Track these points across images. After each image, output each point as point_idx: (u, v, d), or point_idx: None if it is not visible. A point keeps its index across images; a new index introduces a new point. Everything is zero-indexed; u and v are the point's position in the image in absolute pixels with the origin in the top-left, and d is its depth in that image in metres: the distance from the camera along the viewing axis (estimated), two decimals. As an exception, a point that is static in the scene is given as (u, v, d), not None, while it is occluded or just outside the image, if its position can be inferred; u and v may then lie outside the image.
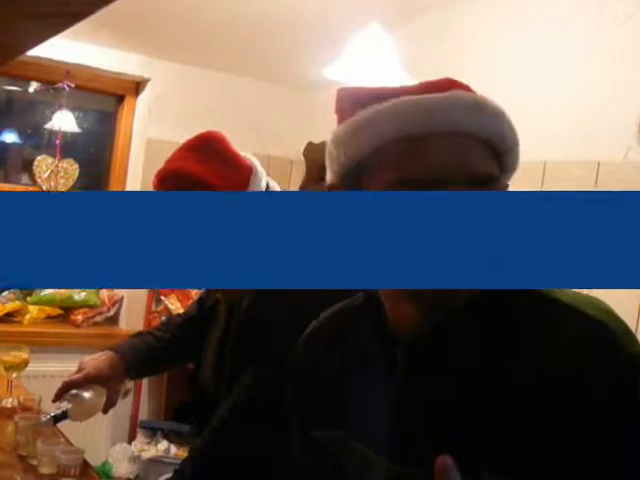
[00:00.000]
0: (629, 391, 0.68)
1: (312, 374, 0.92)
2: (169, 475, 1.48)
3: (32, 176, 3.20)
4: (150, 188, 1.40)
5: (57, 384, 1.47)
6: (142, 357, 1.57)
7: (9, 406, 1.72)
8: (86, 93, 3.28)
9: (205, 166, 1.36)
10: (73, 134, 3.30)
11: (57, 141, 3.18)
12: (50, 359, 2.82)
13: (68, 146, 3.25)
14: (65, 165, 3.22)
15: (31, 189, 3.20)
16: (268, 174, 1.49)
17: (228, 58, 3.22)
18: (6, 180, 3.29)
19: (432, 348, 0.78)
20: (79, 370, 1.49)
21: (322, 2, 2.71)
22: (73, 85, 3.11)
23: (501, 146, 0.79)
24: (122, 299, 3.32)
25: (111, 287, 3.17)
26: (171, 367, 1.77)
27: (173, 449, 3.00)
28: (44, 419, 1.39)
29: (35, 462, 1.38)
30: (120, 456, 3.02)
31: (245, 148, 1.47)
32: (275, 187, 1.48)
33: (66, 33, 0.92)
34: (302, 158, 3.34)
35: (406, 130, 0.76)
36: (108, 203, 0.70)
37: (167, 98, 3.25)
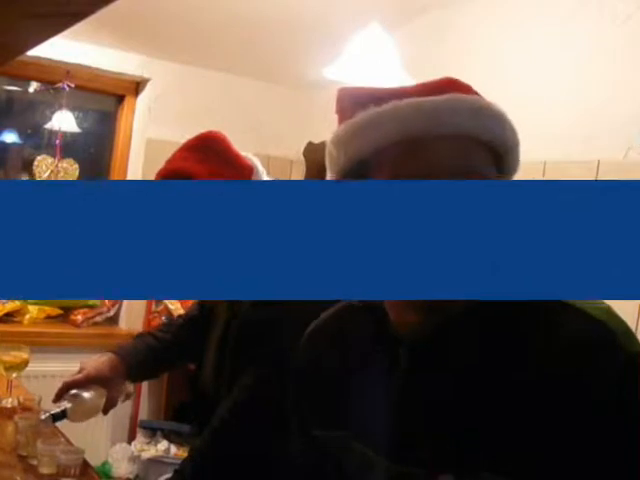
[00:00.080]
0: (629, 390, 0.68)
1: (313, 374, 0.92)
2: (169, 475, 1.48)
3: (32, 176, 3.20)
4: (150, 188, 1.40)
5: (57, 384, 1.47)
6: (143, 358, 1.57)
7: (9, 406, 1.71)
8: (86, 93, 3.28)
9: (205, 166, 1.36)
10: (73, 134, 3.30)
11: (57, 141, 3.18)
12: (50, 359, 2.82)
13: (68, 146, 3.25)
14: (65, 165, 3.22)
15: (31, 189, 3.20)
16: (268, 174, 1.49)
17: (228, 58, 3.22)
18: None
19: (433, 348, 0.78)
20: (80, 371, 1.49)
21: (322, 2, 2.71)
22: (73, 85, 3.11)
23: (502, 148, 0.79)
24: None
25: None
26: (172, 368, 1.77)
27: (173, 449, 2.99)
28: (43, 417, 1.39)
29: (35, 462, 1.38)
30: (120, 456, 3.02)
31: (245, 148, 1.47)
32: (275, 187, 1.48)
33: (66, 33, 0.92)
34: (302, 158, 3.35)
35: (407, 133, 0.76)
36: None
37: (167, 98, 3.25)
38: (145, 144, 3.25)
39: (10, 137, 3.29)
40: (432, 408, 0.76)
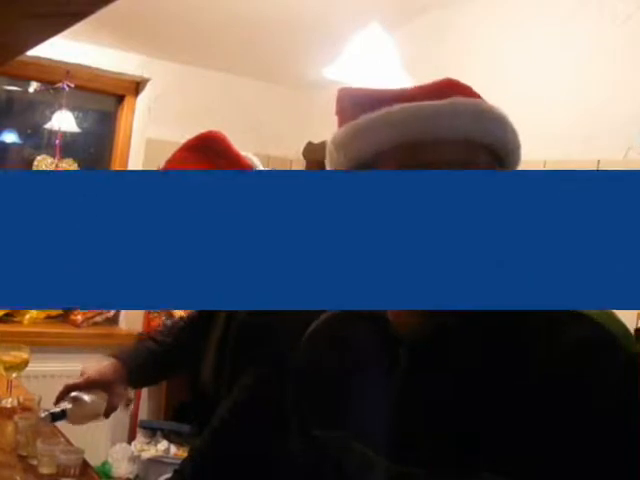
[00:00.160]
0: (629, 392, 0.68)
1: (313, 374, 0.92)
2: (169, 475, 1.48)
3: (32, 176, 3.20)
4: (150, 188, 1.40)
5: (57, 384, 1.47)
6: (144, 362, 1.57)
7: (9, 406, 1.71)
8: (86, 93, 3.28)
9: (206, 166, 1.36)
10: (73, 134, 3.30)
11: (57, 141, 3.18)
12: (50, 359, 2.82)
13: (68, 146, 3.25)
14: (65, 165, 3.22)
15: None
16: (268, 174, 1.48)
17: (228, 58, 3.22)
18: (6, 180, 3.29)
19: (433, 348, 0.78)
20: (81, 375, 1.50)
21: (322, 2, 2.71)
22: (73, 85, 3.11)
23: (503, 151, 0.80)
24: (122, 299, 3.32)
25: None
26: (174, 372, 1.76)
27: (173, 449, 2.99)
28: (42, 415, 1.40)
29: (35, 462, 1.38)
30: (120, 456, 3.02)
31: (245, 148, 1.47)
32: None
33: (66, 33, 0.92)
34: (302, 158, 3.35)
35: (408, 136, 0.76)
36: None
37: (167, 98, 3.25)
38: (145, 144, 3.25)
39: (10, 137, 3.29)
40: (432, 408, 0.76)
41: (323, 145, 0.86)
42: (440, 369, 0.77)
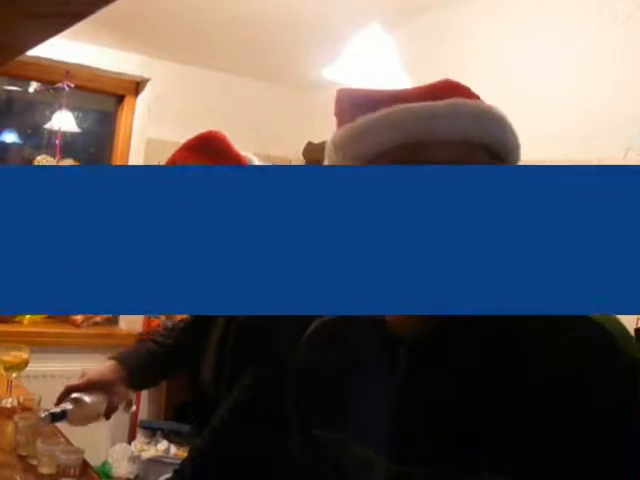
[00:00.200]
0: (629, 392, 0.68)
1: (313, 374, 0.92)
2: (169, 475, 1.48)
3: (32, 176, 3.20)
4: (150, 188, 1.40)
5: (57, 384, 1.47)
6: (144, 363, 1.58)
7: (9, 406, 1.71)
8: (86, 93, 3.28)
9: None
10: (73, 134, 3.30)
11: (57, 141, 3.18)
12: (50, 359, 2.82)
13: (68, 146, 3.25)
14: (65, 165, 3.22)
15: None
16: (268, 174, 1.48)
17: (228, 58, 3.22)
18: (6, 180, 3.29)
19: (433, 348, 0.78)
20: (82, 377, 1.50)
21: (322, 2, 2.71)
22: (73, 85, 3.11)
23: (503, 151, 0.80)
24: (122, 299, 3.32)
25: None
26: (174, 373, 1.76)
27: (173, 449, 2.99)
28: (42, 415, 1.40)
29: (35, 462, 1.38)
30: (120, 456, 3.02)
31: (245, 148, 1.47)
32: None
33: (66, 33, 0.92)
34: (302, 158, 3.35)
35: (407, 138, 0.76)
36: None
37: (167, 98, 3.25)
38: (145, 144, 3.25)
39: (10, 137, 3.29)
40: (432, 408, 0.76)
41: (323, 145, 0.86)
42: (440, 369, 0.77)
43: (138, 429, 3.16)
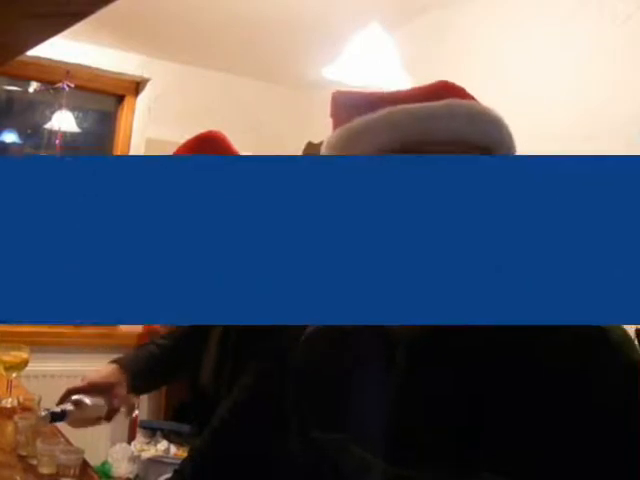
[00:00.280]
0: (629, 390, 0.68)
1: (313, 374, 0.93)
2: (169, 475, 1.48)
3: (32, 176, 3.20)
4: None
5: (57, 384, 1.47)
6: (145, 365, 1.58)
7: (9, 406, 1.71)
8: (86, 93, 3.28)
9: (205, 166, 1.36)
10: (73, 134, 3.30)
11: (57, 141, 3.18)
12: (50, 359, 2.82)
13: (68, 146, 3.25)
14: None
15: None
16: (268, 174, 1.48)
17: (228, 58, 3.22)
18: (6, 180, 3.29)
19: (432, 346, 0.78)
20: (83, 380, 1.50)
21: (322, 2, 2.71)
22: (73, 85, 3.11)
23: (499, 152, 0.80)
24: (122, 299, 3.32)
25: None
26: (175, 376, 1.76)
27: (173, 449, 2.99)
28: (42, 414, 1.40)
29: (35, 462, 1.38)
30: (120, 456, 3.02)
31: (245, 148, 1.47)
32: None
33: (66, 33, 0.92)
34: (302, 158, 3.34)
35: (403, 139, 0.76)
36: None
37: (167, 98, 3.25)
38: (145, 144, 3.25)
39: (10, 137, 3.29)
40: (432, 403, 0.76)
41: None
42: (439, 364, 0.77)
43: (138, 429, 3.16)
